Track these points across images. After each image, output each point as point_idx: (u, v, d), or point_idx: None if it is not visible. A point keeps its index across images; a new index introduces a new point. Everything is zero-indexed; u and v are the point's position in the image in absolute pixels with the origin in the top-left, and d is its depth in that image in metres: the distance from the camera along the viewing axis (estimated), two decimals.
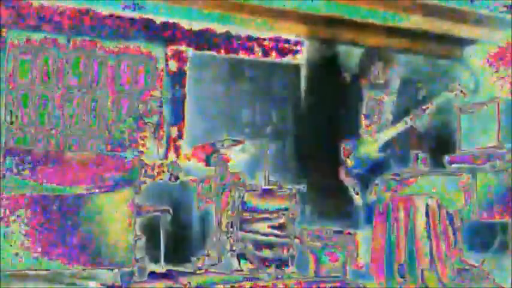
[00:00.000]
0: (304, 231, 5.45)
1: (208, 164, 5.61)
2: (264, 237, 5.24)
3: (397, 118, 6.05)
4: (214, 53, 6.36)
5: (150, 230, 5.02)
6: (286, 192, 5.36)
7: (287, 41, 6.60)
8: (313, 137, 6.49)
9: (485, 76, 6.86)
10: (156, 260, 5.01)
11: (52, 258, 4.28)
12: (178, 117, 6.21)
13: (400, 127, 6.01)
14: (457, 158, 5.75)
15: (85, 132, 5.87)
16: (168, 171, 5.31)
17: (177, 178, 5.37)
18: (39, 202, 4.29)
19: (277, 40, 6.56)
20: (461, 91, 5.95)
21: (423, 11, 6.67)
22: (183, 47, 6.26)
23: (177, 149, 6.09)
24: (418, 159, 5.51)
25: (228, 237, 5.28)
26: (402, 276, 5.05)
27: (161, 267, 5.02)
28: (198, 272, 5.15)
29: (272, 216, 5.29)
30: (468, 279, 5.06)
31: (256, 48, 6.49)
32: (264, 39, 6.51)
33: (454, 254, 5.08)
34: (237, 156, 5.90)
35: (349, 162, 6.12)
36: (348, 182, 6.12)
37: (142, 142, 5.43)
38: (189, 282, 4.70)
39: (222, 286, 4.71)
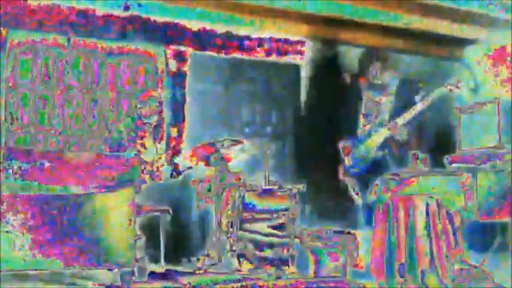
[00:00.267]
0: (304, 231, 5.45)
1: (208, 164, 5.61)
2: (264, 237, 5.24)
3: (394, 119, 6.10)
4: (214, 53, 6.36)
5: (150, 230, 5.02)
6: (286, 192, 5.36)
7: (287, 41, 6.60)
8: (313, 137, 6.49)
9: (485, 76, 6.86)
10: (156, 260, 5.01)
11: (52, 259, 4.28)
12: (178, 117, 6.21)
13: (383, 135, 6.06)
14: (457, 158, 5.75)
15: (85, 132, 5.87)
16: (168, 164, 5.32)
17: (179, 173, 5.37)
18: (39, 202, 4.29)
19: (277, 40, 6.56)
20: (456, 86, 5.98)
21: (423, 11, 6.68)
22: (183, 47, 6.26)
23: (177, 149, 6.09)
24: (418, 159, 5.51)
25: (228, 237, 5.28)
26: (402, 276, 5.05)
27: (161, 267, 5.02)
28: (198, 272, 5.15)
29: (272, 216, 5.29)
30: (468, 279, 5.06)
31: (256, 48, 6.49)
32: (264, 39, 6.51)
33: (454, 254, 5.08)
34: (237, 156, 5.90)
35: (347, 161, 6.15)
36: (347, 181, 6.14)
37: (141, 142, 5.43)
38: (189, 282, 4.70)
39: (222, 286, 4.72)
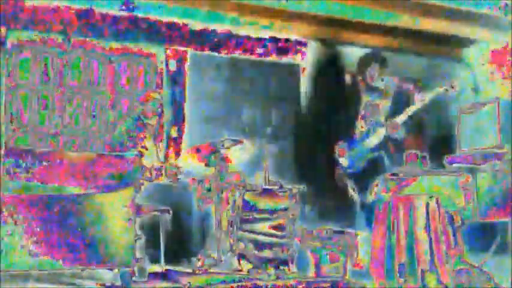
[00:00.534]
0: (304, 231, 5.45)
1: (208, 164, 5.61)
2: (264, 237, 5.24)
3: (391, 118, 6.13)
4: (214, 53, 6.36)
5: (150, 230, 5.02)
6: (286, 192, 5.36)
7: (287, 41, 6.60)
8: (313, 137, 6.49)
9: (485, 76, 6.86)
10: (156, 260, 5.01)
11: (52, 258, 4.28)
12: (178, 117, 6.21)
13: (380, 136, 6.08)
14: (457, 158, 5.75)
15: (85, 132, 5.87)
16: (166, 175, 5.31)
17: (177, 179, 5.37)
18: (39, 202, 4.29)
19: (277, 40, 6.56)
20: (452, 86, 6.01)
21: (423, 11, 6.67)
22: (183, 47, 6.26)
23: (177, 149, 6.09)
24: (418, 159, 5.51)
25: (228, 237, 5.28)
26: (402, 276, 5.05)
27: (161, 267, 5.02)
28: (198, 272, 5.15)
29: (272, 216, 5.29)
30: (468, 279, 5.05)
31: (256, 48, 6.49)
32: (264, 39, 6.51)
33: (454, 254, 5.08)
34: (237, 156, 5.90)
35: (343, 162, 6.17)
36: (344, 181, 6.15)
37: (141, 143, 5.43)
38: (189, 282, 4.70)
39: (222, 286, 4.71)
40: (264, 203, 5.31)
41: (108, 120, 5.94)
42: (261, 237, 5.24)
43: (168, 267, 5.07)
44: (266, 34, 6.51)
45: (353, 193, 6.08)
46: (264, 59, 6.54)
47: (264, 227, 5.26)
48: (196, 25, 6.26)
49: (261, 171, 5.65)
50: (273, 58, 6.58)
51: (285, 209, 5.31)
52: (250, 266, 5.19)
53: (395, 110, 6.17)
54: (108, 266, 4.43)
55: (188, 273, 5.10)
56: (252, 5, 6.28)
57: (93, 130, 5.91)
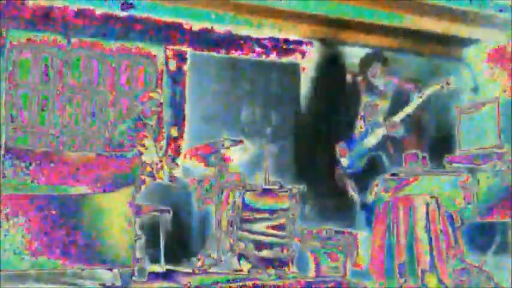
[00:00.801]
0: (304, 231, 5.45)
1: (208, 164, 5.61)
2: (264, 237, 5.24)
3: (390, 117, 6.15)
4: (214, 53, 6.36)
5: (150, 230, 5.02)
6: (286, 192, 5.36)
7: (287, 41, 6.60)
8: (313, 137, 6.49)
9: (485, 76, 6.86)
10: (156, 260, 5.01)
11: (52, 258, 4.28)
12: (178, 117, 6.21)
13: (378, 135, 6.09)
14: (457, 158, 5.75)
15: (85, 132, 5.87)
16: (167, 167, 5.31)
17: (176, 165, 5.38)
18: (39, 202, 4.29)
19: (277, 40, 6.55)
20: (447, 83, 6.03)
21: (423, 11, 6.67)
22: (183, 47, 6.26)
23: (177, 149, 6.09)
24: (418, 159, 5.51)
25: (228, 237, 5.28)
26: (402, 276, 5.05)
27: (161, 267, 5.02)
28: (198, 272, 5.15)
29: (272, 216, 5.29)
30: (468, 279, 5.06)
31: (256, 48, 6.49)
32: (264, 39, 6.50)
33: (454, 254, 5.08)
34: (237, 156, 5.90)
35: (344, 162, 6.17)
36: (344, 181, 6.16)
37: (142, 142, 5.43)
38: (189, 282, 4.70)
39: (222, 286, 4.71)
40: (264, 203, 5.31)
41: (108, 120, 5.94)
42: (261, 237, 5.24)
43: (168, 267, 5.07)
44: (266, 34, 6.51)
45: (353, 193, 6.09)
46: (264, 59, 6.54)
47: (264, 227, 5.26)
48: (196, 25, 6.26)
49: (261, 171, 5.65)
50: (273, 58, 6.58)
51: (285, 209, 5.31)
52: (250, 266, 5.20)
53: (394, 111, 6.17)
54: (108, 266, 4.43)
55: (188, 273, 5.10)
56: (252, 5, 6.27)
57: (93, 130, 5.91)
